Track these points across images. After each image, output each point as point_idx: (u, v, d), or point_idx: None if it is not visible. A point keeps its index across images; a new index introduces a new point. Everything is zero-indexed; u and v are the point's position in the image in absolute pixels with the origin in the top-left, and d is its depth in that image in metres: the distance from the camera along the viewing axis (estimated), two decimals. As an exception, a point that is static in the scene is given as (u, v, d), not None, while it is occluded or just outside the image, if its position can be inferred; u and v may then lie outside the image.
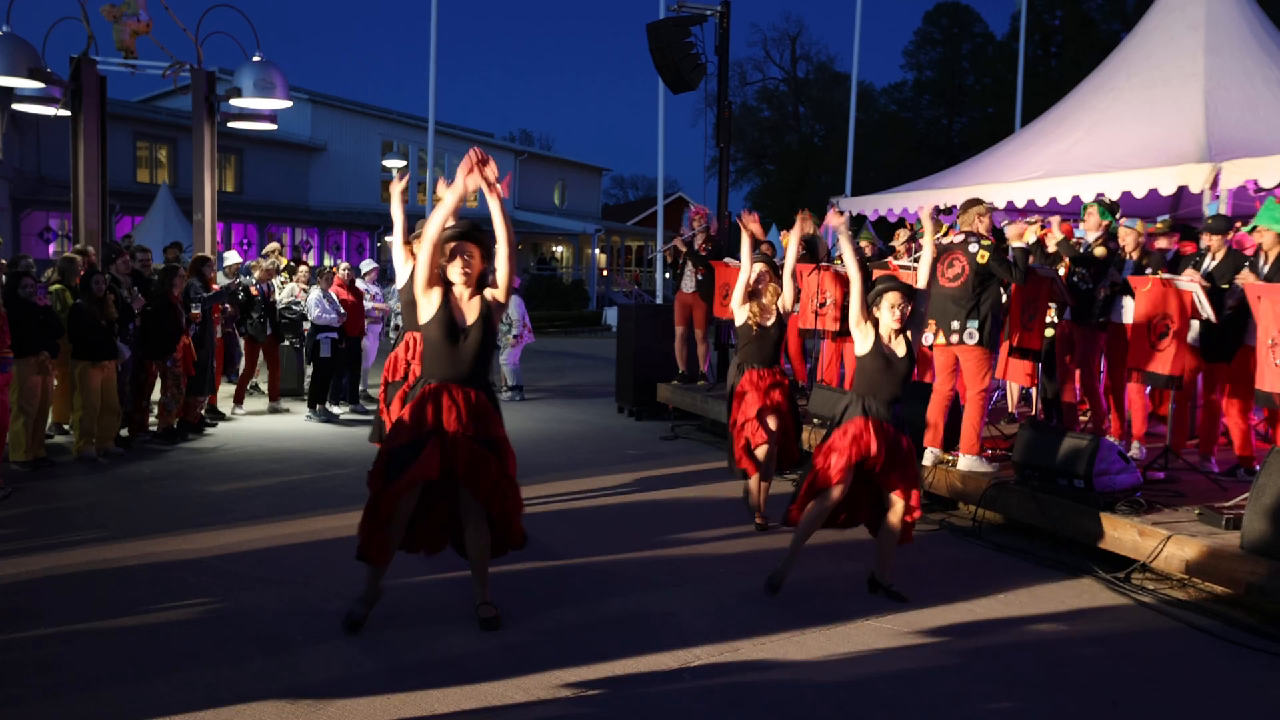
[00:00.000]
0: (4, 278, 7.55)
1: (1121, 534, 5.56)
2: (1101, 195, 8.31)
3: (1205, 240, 6.67)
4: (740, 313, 6.32)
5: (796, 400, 6.45)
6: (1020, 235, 6.80)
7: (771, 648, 4.41)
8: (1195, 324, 6.45)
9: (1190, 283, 6.25)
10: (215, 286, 9.95)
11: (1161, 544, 5.31)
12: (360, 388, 11.32)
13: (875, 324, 5.07)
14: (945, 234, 6.72)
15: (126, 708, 3.71)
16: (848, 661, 4.31)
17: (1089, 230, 7.38)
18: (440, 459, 4.32)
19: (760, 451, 6.22)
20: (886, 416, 5.00)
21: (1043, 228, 7.81)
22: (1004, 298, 6.78)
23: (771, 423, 6.20)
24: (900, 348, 5.04)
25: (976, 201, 6.83)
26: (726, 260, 10.01)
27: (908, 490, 5.02)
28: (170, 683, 3.92)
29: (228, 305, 10.23)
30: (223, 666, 4.08)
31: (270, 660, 4.16)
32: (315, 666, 4.11)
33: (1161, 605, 5.11)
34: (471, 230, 4.48)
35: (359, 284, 11.19)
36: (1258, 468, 6.50)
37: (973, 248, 6.55)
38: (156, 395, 9.03)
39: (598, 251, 36.15)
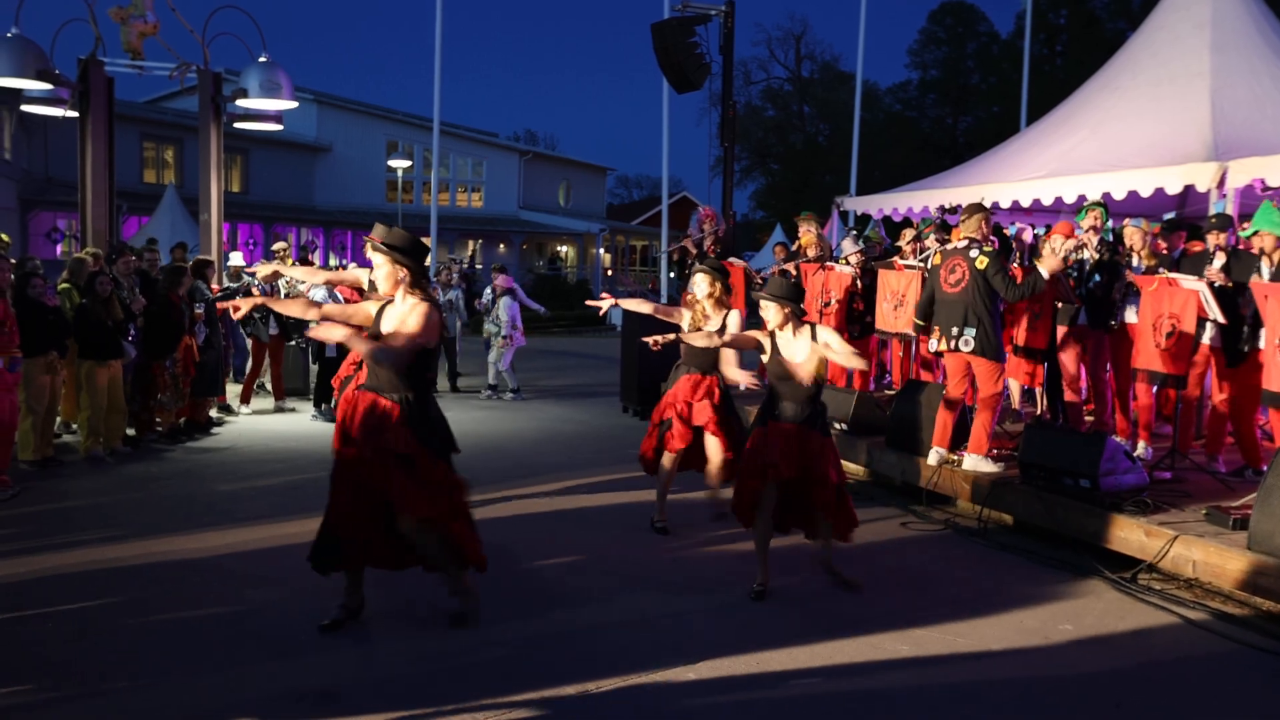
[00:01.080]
0: (13, 278, 7.57)
1: (1128, 534, 5.55)
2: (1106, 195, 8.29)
3: (1213, 239, 6.65)
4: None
5: (729, 403, 6.18)
6: (1070, 234, 6.75)
7: (778, 650, 4.39)
8: (1210, 325, 6.43)
9: (1196, 283, 6.23)
10: (216, 289, 9.96)
11: (1168, 544, 5.31)
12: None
13: (772, 334, 5.13)
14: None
15: (133, 709, 3.73)
16: (852, 664, 4.30)
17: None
18: (351, 491, 4.34)
19: (666, 458, 6.17)
20: (795, 416, 5.02)
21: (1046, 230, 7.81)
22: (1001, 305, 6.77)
23: (686, 426, 6.05)
24: (798, 352, 5.01)
25: (980, 208, 6.81)
26: (731, 260, 10.01)
27: (824, 485, 5.01)
28: (176, 684, 3.94)
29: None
30: (227, 667, 4.09)
31: (275, 662, 4.17)
32: (319, 669, 4.11)
33: (1168, 606, 5.09)
34: (378, 241, 4.34)
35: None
36: (1265, 469, 6.51)
37: (973, 253, 6.53)
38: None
39: (602, 251, 36.16)
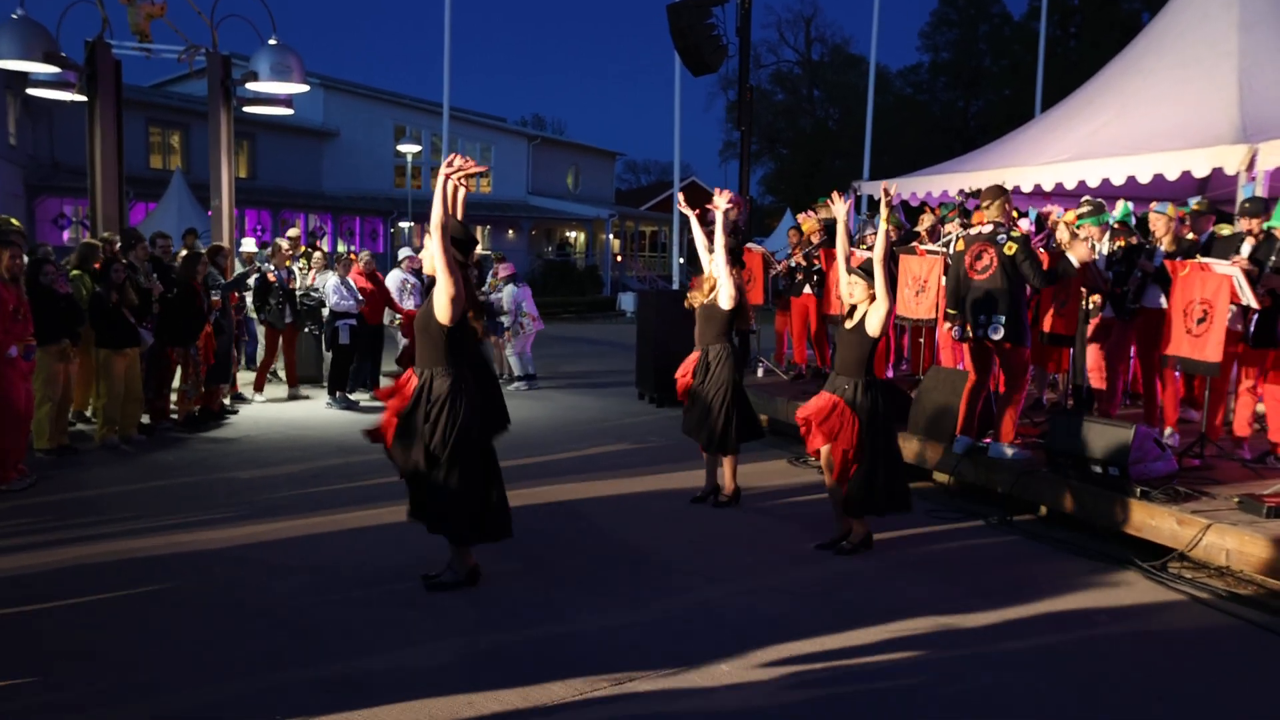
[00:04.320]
0: (25, 264, 7.51)
1: (1159, 522, 5.46)
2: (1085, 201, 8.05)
3: (1244, 224, 6.52)
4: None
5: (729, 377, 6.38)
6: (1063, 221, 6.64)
7: (808, 640, 4.33)
8: (1233, 308, 6.30)
9: (1230, 267, 6.11)
10: (229, 276, 9.89)
11: (1201, 532, 5.22)
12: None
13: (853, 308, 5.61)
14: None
15: (158, 699, 3.68)
16: (883, 654, 4.23)
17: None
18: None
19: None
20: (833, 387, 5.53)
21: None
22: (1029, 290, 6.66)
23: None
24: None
25: (1001, 190, 6.68)
26: (749, 245, 9.92)
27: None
28: (202, 674, 3.89)
29: (240, 292, 10.19)
30: (254, 657, 4.04)
31: (301, 652, 4.12)
32: (345, 660, 4.06)
33: (1201, 595, 5.02)
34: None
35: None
36: (1291, 455, 6.42)
37: (1001, 239, 6.41)
38: (176, 382, 9.01)
39: (611, 237, 36.01)
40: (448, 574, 4.83)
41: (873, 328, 5.36)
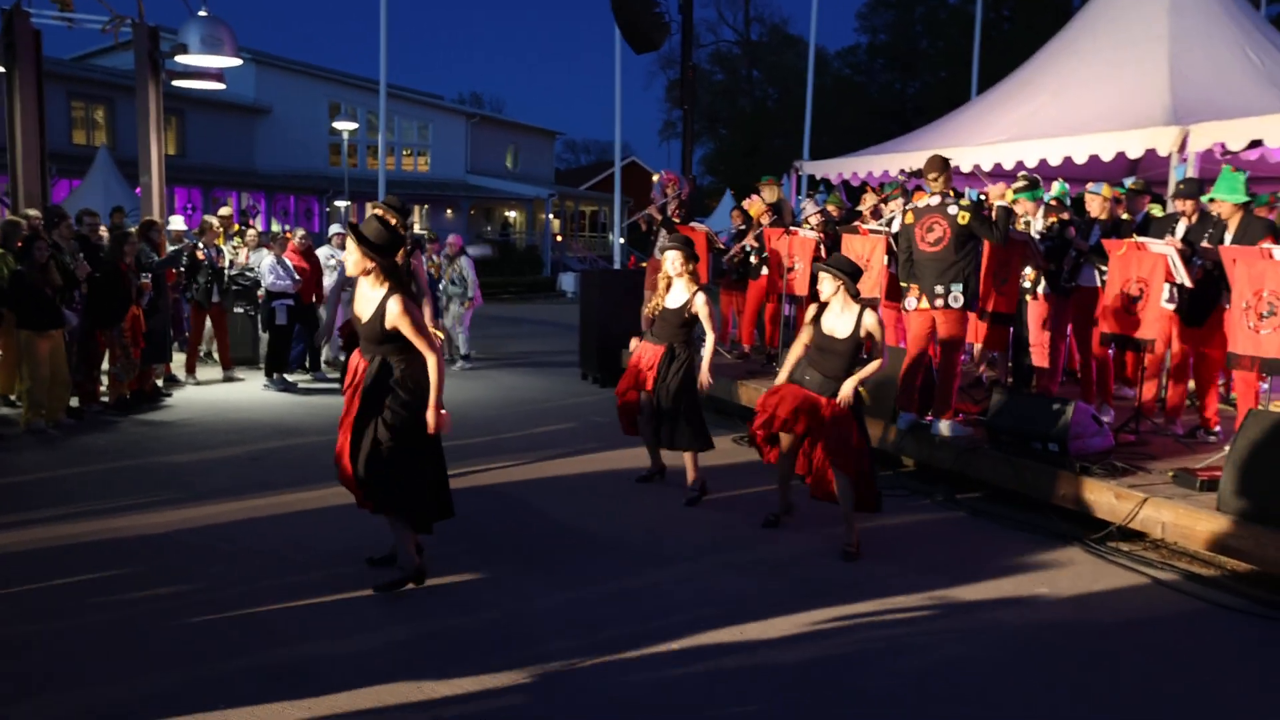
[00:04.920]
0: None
1: (1097, 497, 5.61)
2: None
3: (1179, 205, 6.69)
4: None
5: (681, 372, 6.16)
6: (1002, 195, 6.75)
7: (759, 621, 4.35)
8: (1167, 287, 6.48)
9: (1165, 246, 6.27)
10: (164, 253, 9.55)
11: (1138, 506, 5.37)
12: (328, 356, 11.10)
13: (821, 305, 5.30)
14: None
15: (101, 691, 3.54)
16: (831, 631, 4.27)
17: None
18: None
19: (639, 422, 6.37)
20: (819, 388, 5.22)
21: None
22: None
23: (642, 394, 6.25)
24: (840, 328, 5.20)
25: (947, 164, 6.73)
26: (693, 225, 9.89)
27: (842, 458, 5.21)
28: (145, 665, 3.76)
29: (177, 269, 9.88)
30: (198, 646, 3.92)
31: (247, 640, 4.01)
32: (294, 646, 3.96)
33: (1138, 567, 5.17)
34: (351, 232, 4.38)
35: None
36: (1217, 429, 6.65)
37: (952, 209, 6.49)
38: (107, 365, 8.69)
39: (551, 217, 35.72)
40: (395, 573, 4.63)
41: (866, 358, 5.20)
